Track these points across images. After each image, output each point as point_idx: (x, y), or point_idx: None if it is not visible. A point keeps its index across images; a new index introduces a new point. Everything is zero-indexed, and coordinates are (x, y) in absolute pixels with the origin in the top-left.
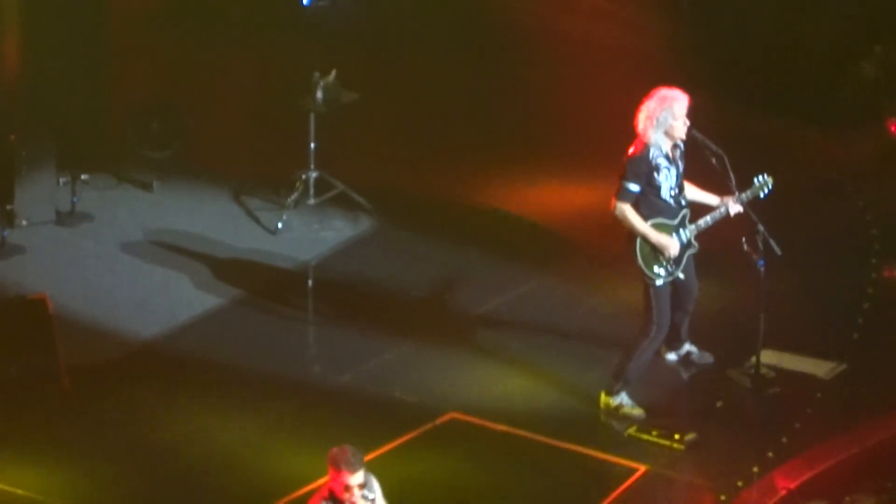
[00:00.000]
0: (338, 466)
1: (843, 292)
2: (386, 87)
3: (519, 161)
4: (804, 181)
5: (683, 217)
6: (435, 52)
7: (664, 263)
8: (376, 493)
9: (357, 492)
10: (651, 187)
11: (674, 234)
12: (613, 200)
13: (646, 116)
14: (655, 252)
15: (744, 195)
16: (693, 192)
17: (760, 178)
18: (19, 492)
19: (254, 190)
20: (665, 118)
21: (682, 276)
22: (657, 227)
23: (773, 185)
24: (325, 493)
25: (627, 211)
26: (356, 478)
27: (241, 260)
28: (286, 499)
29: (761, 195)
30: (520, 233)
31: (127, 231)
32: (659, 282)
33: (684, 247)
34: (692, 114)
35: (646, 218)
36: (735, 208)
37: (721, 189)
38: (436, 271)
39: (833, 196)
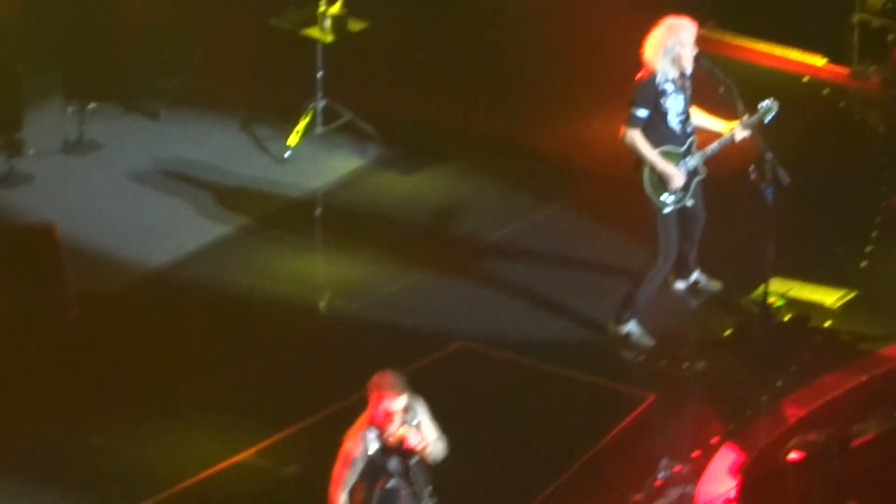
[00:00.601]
0: (380, 393)
1: (851, 220)
2: (394, 14)
3: (529, 88)
4: (811, 110)
5: (690, 144)
6: None
7: (671, 191)
8: (421, 416)
9: (399, 417)
10: (658, 113)
11: (680, 162)
12: (622, 127)
13: (654, 44)
14: (662, 180)
15: (749, 120)
16: (701, 119)
17: (766, 102)
18: (26, 422)
19: (261, 119)
20: (673, 46)
21: (690, 203)
22: (665, 154)
23: (778, 110)
24: (365, 424)
25: (637, 137)
26: (398, 403)
27: (249, 189)
28: (302, 424)
29: (766, 120)
30: (529, 161)
31: (135, 160)
32: (666, 210)
33: (691, 174)
34: (699, 42)
35: (654, 145)
36: (741, 134)
37: (729, 117)
38: (444, 200)
39: (840, 124)
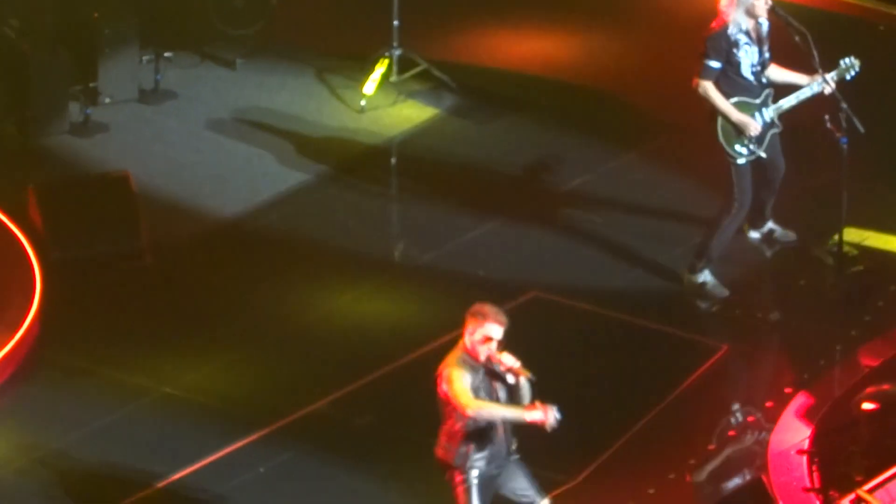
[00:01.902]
0: (484, 316)
1: None
2: None
3: (607, 38)
4: (888, 59)
5: (766, 96)
6: None
7: (745, 142)
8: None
9: (493, 346)
10: (731, 64)
11: (756, 114)
12: (695, 78)
13: None
14: (737, 131)
15: (830, 76)
16: (781, 74)
17: (847, 60)
18: (103, 370)
19: (337, 68)
20: None
21: (764, 155)
22: (739, 105)
23: (859, 69)
24: (460, 352)
25: (710, 88)
26: (499, 331)
27: (324, 137)
28: (375, 374)
29: (847, 77)
30: (604, 109)
31: (210, 109)
32: (740, 160)
33: (767, 126)
34: None
35: (727, 96)
36: (827, 89)
37: (806, 69)
38: (519, 150)
39: None
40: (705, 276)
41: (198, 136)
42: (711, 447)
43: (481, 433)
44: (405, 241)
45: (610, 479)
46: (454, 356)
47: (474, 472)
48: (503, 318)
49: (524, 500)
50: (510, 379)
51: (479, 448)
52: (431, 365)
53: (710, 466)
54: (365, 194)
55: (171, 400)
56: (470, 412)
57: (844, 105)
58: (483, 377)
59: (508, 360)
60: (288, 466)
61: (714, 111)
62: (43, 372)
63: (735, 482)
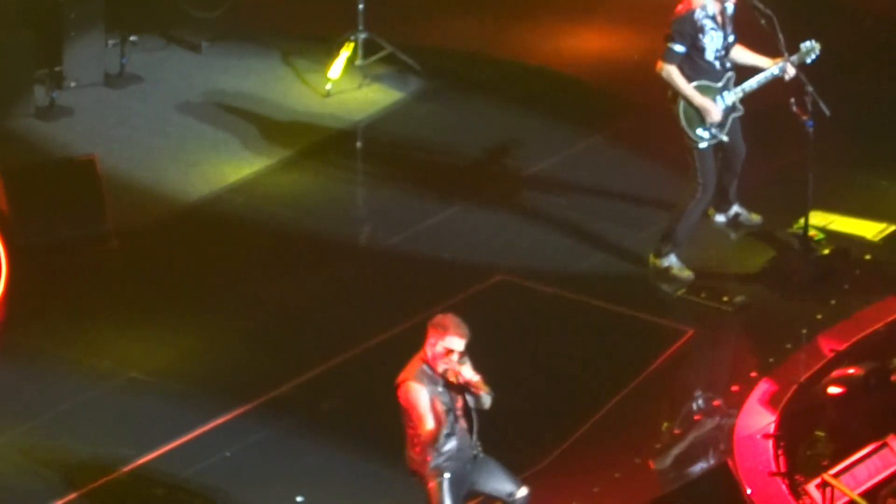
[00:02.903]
0: (445, 329)
1: (892, 153)
2: None
3: (570, 20)
4: (853, 41)
5: (728, 80)
6: None
7: (707, 126)
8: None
9: (455, 357)
10: (696, 49)
11: (717, 97)
12: (659, 62)
13: None
14: (699, 115)
15: (791, 59)
16: (744, 55)
17: (808, 43)
18: (69, 354)
19: (302, 51)
20: None
21: (725, 138)
22: (701, 89)
23: (820, 52)
24: (419, 363)
25: (673, 72)
26: (460, 343)
27: (289, 121)
28: (340, 357)
29: (808, 61)
30: (569, 93)
31: (176, 92)
32: (702, 144)
33: (728, 110)
34: None
35: (689, 80)
36: (788, 72)
37: (769, 51)
38: (484, 133)
39: (882, 55)
40: (671, 260)
41: (164, 119)
42: (677, 431)
43: (445, 436)
44: (371, 224)
45: (575, 463)
46: (413, 367)
47: (445, 475)
48: (465, 331)
49: (505, 495)
50: (459, 383)
51: (440, 452)
52: (397, 348)
53: (675, 451)
54: (330, 178)
55: (136, 384)
56: (423, 438)
57: (810, 88)
58: (443, 388)
59: (468, 374)
60: (254, 450)
61: (676, 94)
62: (8, 355)
63: (701, 466)
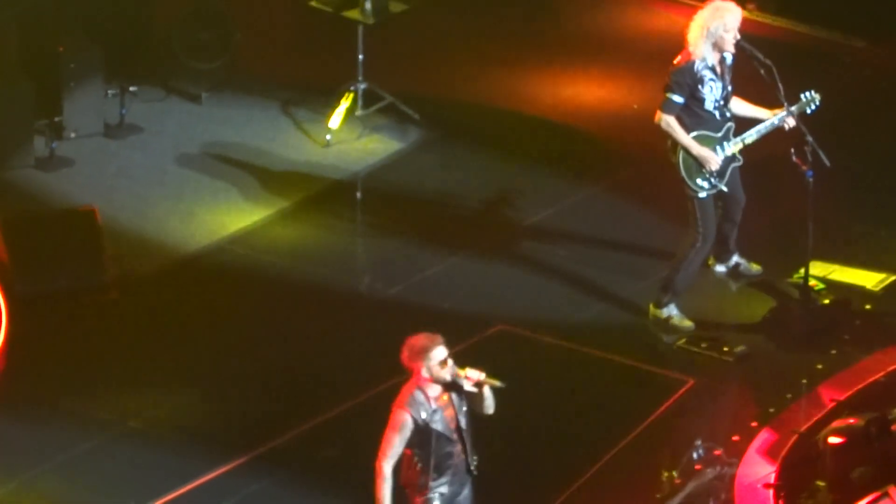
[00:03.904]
0: (424, 349)
1: (892, 203)
2: None
3: (570, 71)
4: (853, 92)
5: (728, 130)
6: None
7: (707, 176)
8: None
9: (450, 363)
10: (695, 99)
11: (717, 147)
12: (658, 112)
13: (698, 26)
14: (698, 164)
15: (791, 109)
16: (743, 107)
17: (808, 94)
18: (68, 405)
19: (302, 101)
20: (717, 29)
21: (725, 188)
22: (700, 139)
23: (819, 102)
24: (412, 389)
25: (672, 123)
26: (444, 349)
27: (289, 171)
28: (341, 407)
29: (808, 111)
30: (569, 143)
31: (175, 143)
32: (702, 194)
33: (728, 160)
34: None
35: (689, 130)
36: (788, 122)
37: (769, 102)
38: (484, 183)
39: (882, 105)
40: (671, 310)
41: (163, 170)
42: (677, 481)
43: (439, 460)
44: (371, 274)
45: None
46: (406, 393)
47: (434, 498)
48: (438, 336)
49: None
50: (471, 388)
51: (439, 475)
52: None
53: (676, 501)
54: (330, 228)
55: (135, 434)
56: (376, 465)
57: (810, 138)
58: (441, 414)
59: (474, 375)
60: (253, 500)
61: (675, 144)
62: (7, 406)
63: None
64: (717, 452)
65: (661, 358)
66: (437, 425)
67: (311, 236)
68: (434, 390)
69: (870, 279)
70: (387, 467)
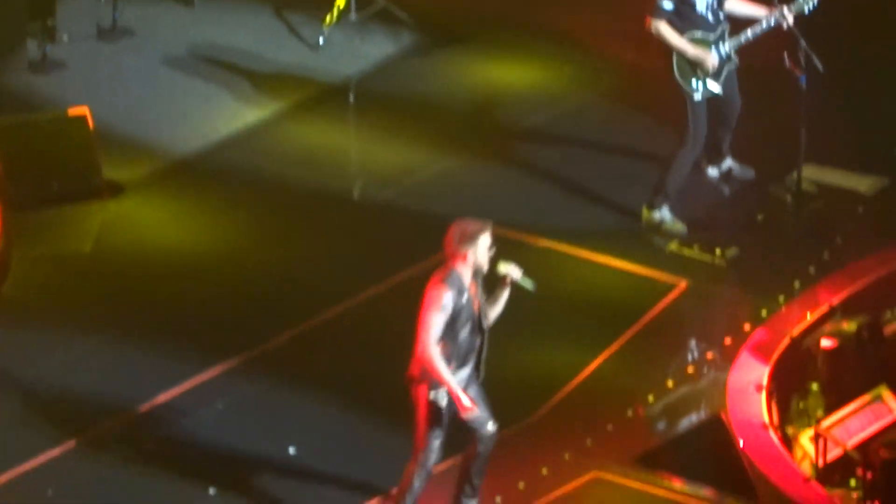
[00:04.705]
0: (475, 233)
1: (885, 107)
2: None
3: None
4: None
5: (722, 32)
6: None
7: (701, 77)
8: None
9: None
10: (685, 4)
11: (712, 48)
12: (648, 19)
13: None
14: (693, 66)
15: (788, 9)
16: (739, 6)
17: None
18: (61, 307)
19: (295, 5)
20: None
21: (720, 91)
22: (695, 41)
23: (817, 2)
24: (449, 269)
25: (662, 27)
26: (489, 238)
27: (282, 75)
28: (335, 310)
29: (806, 10)
30: (562, 50)
31: (168, 46)
32: (696, 96)
33: (723, 61)
34: None
35: (682, 32)
36: (787, 18)
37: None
38: (477, 88)
39: (876, 11)
40: (663, 214)
41: (156, 73)
42: (669, 384)
43: (461, 349)
44: (363, 178)
45: (568, 415)
46: (442, 274)
47: (443, 392)
48: (489, 223)
49: (479, 425)
50: (505, 282)
51: (458, 365)
52: (389, 302)
53: (668, 403)
54: (323, 132)
55: (129, 336)
56: (420, 348)
57: (803, 42)
58: (468, 301)
59: (512, 270)
60: (246, 402)
61: (668, 48)
62: (2, 309)
63: (693, 419)
64: (709, 355)
65: (654, 261)
66: (467, 312)
67: (303, 140)
68: (468, 278)
69: (862, 182)
70: (434, 349)
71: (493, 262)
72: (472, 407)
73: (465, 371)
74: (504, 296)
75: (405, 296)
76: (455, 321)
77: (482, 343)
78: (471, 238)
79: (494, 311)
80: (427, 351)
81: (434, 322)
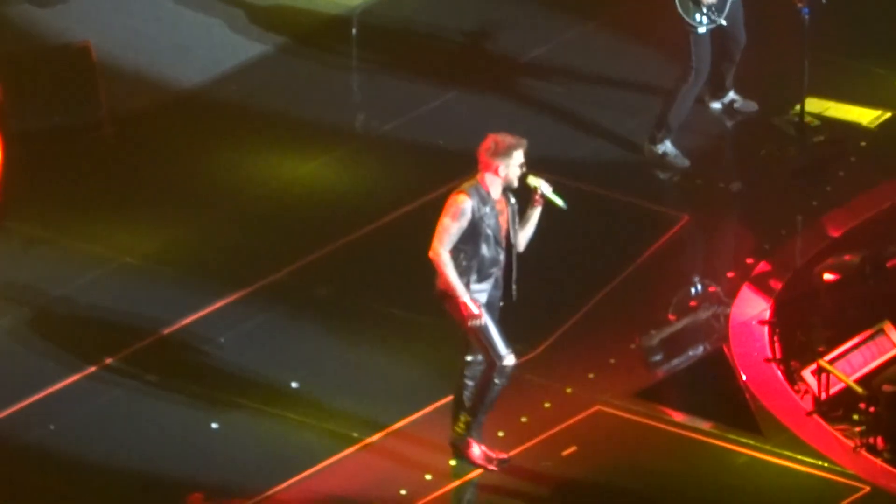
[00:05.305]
0: (510, 146)
1: (889, 39)
2: None
3: None
4: None
5: None
6: None
7: (705, 11)
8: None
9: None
10: None
11: None
12: None
13: None
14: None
15: None
16: None
17: None
18: (63, 240)
19: None
20: None
21: (724, 23)
22: None
23: None
24: (472, 181)
25: None
26: (523, 153)
27: (284, 7)
28: (336, 243)
29: None
30: None
31: None
32: (700, 29)
33: None
34: None
35: None
36: None
37: None
38: (480, 20)
39: None
40: (666, 147)
41: (158, 5)
42: (672, 317)
43: (483, 263)
44: (366, 111)
45: (571, 348)
46: (467, 184)
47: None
48: (524, 140)
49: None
50: (536, 197)
51: (480, 279)
52: (392, 235)
53: (670, 337)
54: (325, 64)
55: (130, 269)
56: (431, 253)
57: None
58: (493, 213)
59: (544, 186)
60: (249, 336)
61: None
62: (3, 241)
63: (696, 353)
64: (711, 289)
65: (657, 194)
66: (490, 225)
67: (305, 72)
68: (496, 192)
69: (865, 115)
70: (444, 253)
71: (523, 177)
72: (478, 315)
73: (485, 285)
74: (535, 216)
75: (408, 228)
76: (475, 231)
77: (509, 261)
78: (505, 151)
79: (525, 232)
80: (438, 254)
81: (448, 227)
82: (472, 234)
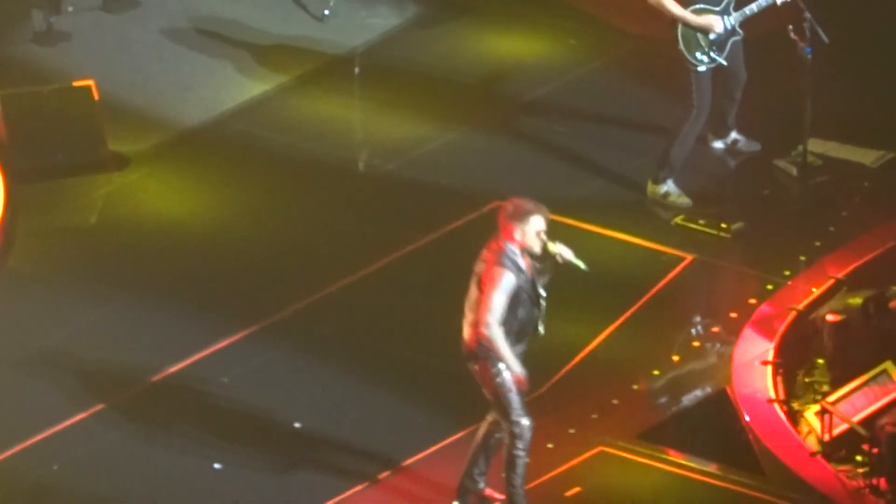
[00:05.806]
0: (528, 212)
1: (891, 80)
2: None
3: None
4: None
5: (727, 4)
6: None
7: (706, 49)
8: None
9: (545, 236)
10: None
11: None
12: None
13: None
14: (697, 37)
15: None
16: None
17: None
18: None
19: None
20: None
21: (725, 62)
22: (699, 12)
23: None
24: (503, 247)
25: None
26: (543, 221)
27: (287, 46)
28: (336, 284)
29: None
30: (569, 20)
31: (173, 18)
32: (701, 68)
33: (728, 33)
34: None
35: (688, 5)
36: None
37: None
38: (482, 59)
39: None
40: (669, 186)
41: (161, 44)
42: (675, 358)
43: (521, 325)
44: (368, 150)
45: (574, 389)
46: (496, 254)
47: (503, 366)
48: (544, 207)
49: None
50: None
51: (517, 340)
52: (394, 274)
53: (673, 378)
54: (328, 104)
55: (135, 308)
56: (484, 329)
57: (808, 15)
58: (527, 280)
59: (564, 251)
60: (252, 376)
61: (674, 18)
62: (9, 280)
63: (699, 393)
64: (714, 329)
65: (660, 234)
66: (526, 290)
67: (308, 112)
68: (519, 256)
69: (868, 156)
70: (497, 330)
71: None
72: (526, 381)
73: (521, 346)
74: (552, 272)
75: (410, 268)
76: (516, 300)
77: (539, 315)
78: (523, 215)
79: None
80: (492, 332)
81: (497, 302)
82: (512, 304)
